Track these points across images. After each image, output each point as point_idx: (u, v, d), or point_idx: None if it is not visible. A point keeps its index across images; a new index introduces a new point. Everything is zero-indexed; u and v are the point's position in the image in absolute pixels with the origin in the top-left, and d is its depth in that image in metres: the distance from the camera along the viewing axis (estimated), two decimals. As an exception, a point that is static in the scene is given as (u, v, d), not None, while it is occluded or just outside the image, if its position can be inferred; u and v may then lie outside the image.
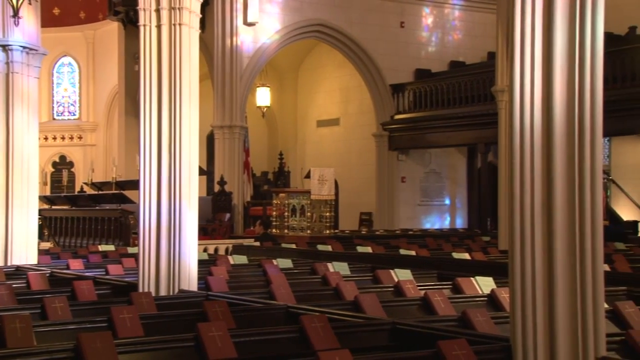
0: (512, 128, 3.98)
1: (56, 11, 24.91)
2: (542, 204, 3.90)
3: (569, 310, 3.82)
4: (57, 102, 26.68)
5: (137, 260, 6.94)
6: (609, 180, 18.72)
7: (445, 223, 21.29)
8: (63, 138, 26.31)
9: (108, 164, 23.56)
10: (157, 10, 6.67)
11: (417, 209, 20.94)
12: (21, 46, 9.60)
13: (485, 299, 6.03)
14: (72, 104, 26.70)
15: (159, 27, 6.67)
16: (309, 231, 15.09)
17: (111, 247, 11.79)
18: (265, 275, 7.50)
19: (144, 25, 6.71)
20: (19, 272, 8.30)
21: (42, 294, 6.07)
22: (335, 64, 21.75)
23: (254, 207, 17.98)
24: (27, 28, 9.72)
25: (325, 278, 7.20)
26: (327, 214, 15.39)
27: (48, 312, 5.27)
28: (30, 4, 9.58)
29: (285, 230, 15.27)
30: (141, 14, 6.72)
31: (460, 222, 21.28)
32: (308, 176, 16.18)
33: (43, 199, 17.91)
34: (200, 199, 7.32)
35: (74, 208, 17.11)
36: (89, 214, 15.51)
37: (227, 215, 16.80)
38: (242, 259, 9.52)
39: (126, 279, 7.18)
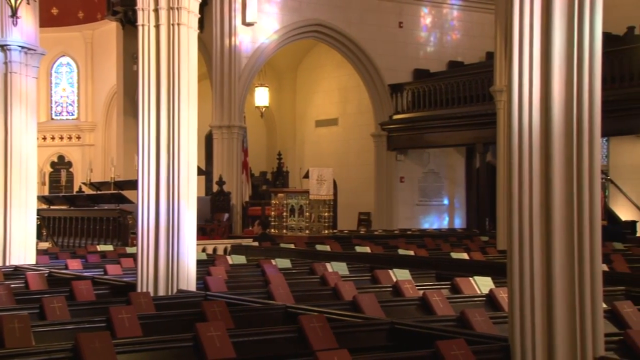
0: (511, 128, 3.98)
1: (54, 11, 24.90)
2: (540, 204, 3.90)
3: (568, 310, 3.82)
4: (56, 102, 26.67)
5: (135, 260, 6.94)
6: (607, 180, 18.74)
7: (444, 223, 21.30)
8: (61, 138, 26.31)
9: (106, 164, 23.55)
10: (156, 10, 6.66)
11: (416, 209, 20.95)
12: (19, 46, 9.59)
13: (484, 298, 6.03)
14: (70, 104, 26.69)
15: (157, 27, 6.67)
16: (307, 231, 15.09)
17: (110, 247, 11.79)
18: (264, 275, 7.49)
19: (143, 25, 6.70)
20: (17, 272, 8.29)
21: (40, 294, 6.06)
22: (334, 64, 21.75)
23: (252, 207, 17.98)
24: (25, 28, 9.71)
25: (323, 278, 7.20)
26: (326, 214, 15.39)
27: (46, 312, 5.26)
28: (28, 3, 9.57)
29: (284, 230, 15.27)
30: (140, 13, 6.72)
31: (459, 222, 21.30)
32: (307, 176, 16.18)
33: (41, 199, 17.90)
34: (199, 199, 7.32)
35: (72, 208, 17.10)
36: (87, 214, 15.50)
37: (226, 215, 16.80)
38: (240, 259, 9.52)
39: (125, 279, 7.17)
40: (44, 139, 24.74)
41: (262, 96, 20.60)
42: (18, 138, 9.55)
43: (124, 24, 20.29)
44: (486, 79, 16.50)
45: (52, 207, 18.12)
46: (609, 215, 16.93)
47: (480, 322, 4.81)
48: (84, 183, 20.71)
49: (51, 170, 25.72)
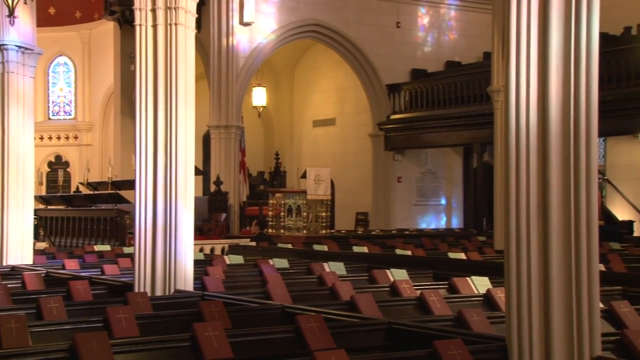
0: (508, 128, 3.98)
1: (52, 11, 24.88)
2: (537, 204, 3.90)
3: (565, 310, 3.83)
4: (53, 102, 26.64)
5: (132, 260, 6.93)
6: (604, 180, 18.75)
7: (441, 223, 21.31)
8: (59, 138, 26.28)
9: (104, 164, 23.56)
10: (153, 10, 6.66)
11: (413, 208, 20.96)
12: (17, 46, 9.58)
13: (481, 298, 6.03)
14: (67, 104, 26.66)
15: (155, 26, 6.67)
16: (305, 231, 15.09)
17: (107, 247, 11.78)
18: (261, 275, 7.49)
19: (140, 25, 6.70)
20: (14, 272, 8.29)
21: (37, 294, 6.06)
22: (332, 64, 21.76)
23: (250, 207, 17.98)
24: (22, 27, 9.70)
25: (321, 278, 7.20)
26: (323, 214, 15.39)
27: (43, 312, 5.26)
28: (25, 3, 9.56)
29: (282, 230, 15.27)
30: (137, 13, 6.72)
31: (456, 222, 21.31)
32: (304, 176, 16.18)
33: (39, 198, 17.89)
34: (196, 199, 7.32)
35: (69, 208, 17.09)
36: (84, 214, 15.49)
37: (223, 215, 16.79)
38: (238, 259, 9.52)
39: (122, 279, 7.17)
40: (41, 138, 24.71)
41: (259, 96, 20.60)
42: (15, 138, 9.54)
43: (121, 23, 20.27)
44: (483, 79, 16.50)
45: (49, 207, 18.11)
46: (606, 215, 16.96)
47: (478, 322, 4.81)
48: (81, 183, 20.71)
49: (48, 170, 25.70)
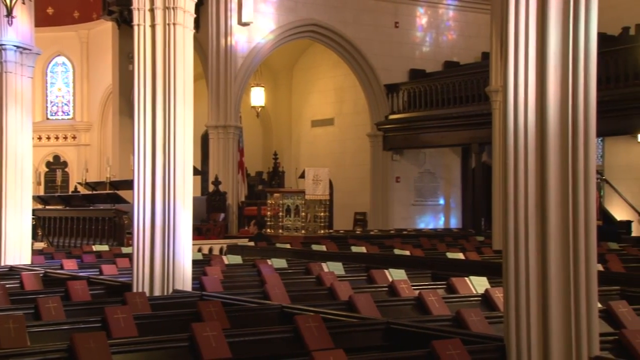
0: (506, 128, 3.99)
1: (50, 11, 24.86)
2: (535, 204, 3.91)
3: (563, 310, 3.83)
4: (51, 102, 26.63)
5: (131, 260, 6.93)
6: (603, 180, 18.77)
7: (440, 223, 21.32)
8: (57, 138, 26.27)
9: (102, 164, 23.54)
10: (152, 10, 6.66)
11: (412, 209, 20.96)
12: (15, 46, 9.58)
13: (479, 298, 6.04)
14: (66, 104, 26.65)
15: (153, 26, 6.66)
16: (303, 231, 15.09)
17: (105, 247, 11.77)
18: (260, 275, 7.49)
19: (138, 25, 6.70)
20: (12, 272, 8.28)
21: (35, 294, 6.06)
22: (330, 64, 21.76)
23: (248, 207, 17.97)
24: (20, 27, 9.70)
25: (319, 278, 7.20)
26: (322, 214, 15.40)
27: (42, 312, 5.25)
28: (24, 3, 9.55)
29: (280, 230, 15.27)
30: (135, 13, 6.72)
31: (455, 222, 21.32)
32: (302, 176, 16.18)
33: (37, 199, 17.89)
34: (195, 199, 7.33)
35: (67, 208, 17.08)
36: (82, 214, 15.48)
37: (222, 215, 16.78)
38: (236, 259, 9.52)
39: (120, 279, 7.17)
40: (40, 138, 24.69)
41: (258, 96, 20.59)
42: (13, 138, 9.54)
43: (119, 23, 20.28)
44: (482, 79, 16.50)
45: (47, 207, 18.10)
46: (604, 215, 16.96)
47: (476, 322, 4.81)
48: (79, 183, 20.71)
49: (46, 170, 25.69)
